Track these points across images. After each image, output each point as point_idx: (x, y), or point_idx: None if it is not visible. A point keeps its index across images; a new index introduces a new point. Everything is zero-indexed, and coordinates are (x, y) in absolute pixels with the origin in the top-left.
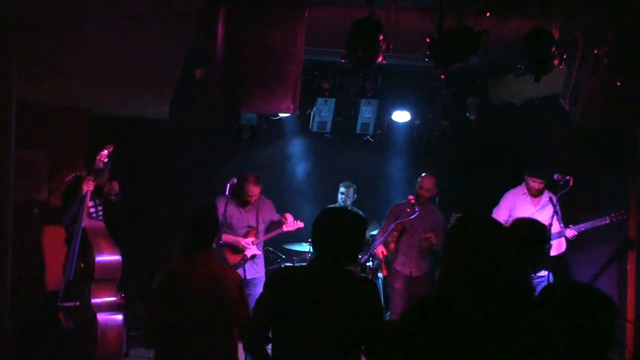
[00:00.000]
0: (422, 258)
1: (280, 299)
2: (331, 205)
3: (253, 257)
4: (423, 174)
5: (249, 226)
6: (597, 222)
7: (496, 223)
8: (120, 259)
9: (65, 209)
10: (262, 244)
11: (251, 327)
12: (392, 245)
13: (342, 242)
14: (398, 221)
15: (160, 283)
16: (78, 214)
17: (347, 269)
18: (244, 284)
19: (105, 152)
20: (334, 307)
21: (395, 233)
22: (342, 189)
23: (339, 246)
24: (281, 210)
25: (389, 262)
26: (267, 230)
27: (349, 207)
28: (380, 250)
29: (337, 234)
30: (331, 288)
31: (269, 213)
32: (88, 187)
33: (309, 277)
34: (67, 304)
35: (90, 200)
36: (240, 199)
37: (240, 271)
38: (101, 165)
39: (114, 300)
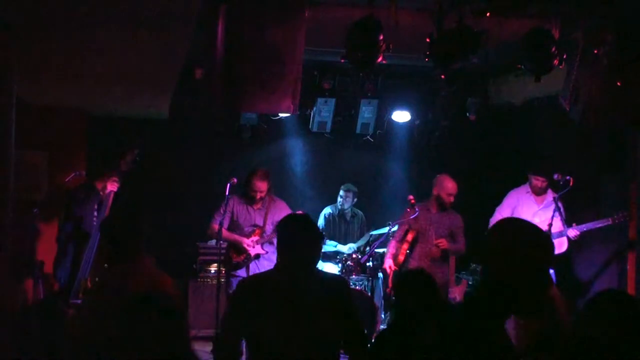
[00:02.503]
0: (436, 267)
1: (250, 308)
2: (329, 207)
3: (257, 256)
4: (444, 177)
5: (254, 225)
6: (600, 223)
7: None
8: None
9: (81, 207)
10: (270, 243)
11: (223, 342)
12: (400, 258)
13: (313, 246)
14: (396, 222)
15: (92, 295)
16: (99, 213)
17: (316, 268)
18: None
19: (130, 156)
20: (308, 310)
21: (406, 245)
22: (341, 192)
23: (307, 253)
24: None
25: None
26: (274, 230)
27: (347, 210)
28: (387, 264)
29: (308, 238)
30: (303, 290)
31: (282, 215)
32: (112, 187)
33: (279, 282)
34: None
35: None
36: (247, 195)
37: (243, 271)
38: (126, 167)
39: None
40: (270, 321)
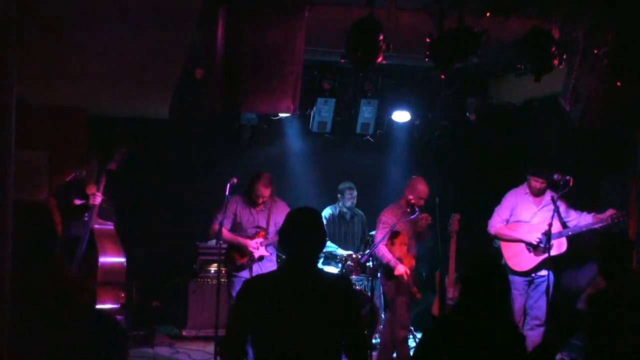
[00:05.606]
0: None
1: (256, 308)
2: (330, 208)
3: (261, 258)
4: (417, 179)
5: (258, 226)
6: (598, 223)
7: None
8: (125, 262)
9: (70, 222)
10: (273, 246)
11: (228, 341)
12: (412, 262)
13: (315, 242)
14: (396, 222)
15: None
16: (86, 225)
17: (319, 269)
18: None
19: (119, 155)
20: (311, 309)
21: (404, 247)
22: (345, 191)
23: (313, 246)
24: None
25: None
26: (277, 232)
27: (348, 210)
28: (403, 270)
29: (310, 234)
30: (307, 290)
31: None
32: (94, 201)
33: (283, 282)
34: None
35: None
36: (249, 197)
37: (246, 272)
38: (116, 167)
39: (116, 307)
40: (273, 320)
